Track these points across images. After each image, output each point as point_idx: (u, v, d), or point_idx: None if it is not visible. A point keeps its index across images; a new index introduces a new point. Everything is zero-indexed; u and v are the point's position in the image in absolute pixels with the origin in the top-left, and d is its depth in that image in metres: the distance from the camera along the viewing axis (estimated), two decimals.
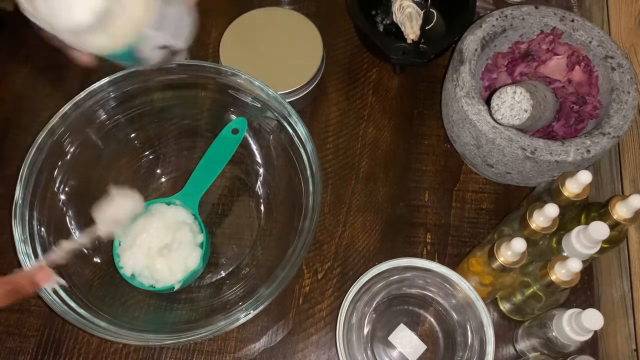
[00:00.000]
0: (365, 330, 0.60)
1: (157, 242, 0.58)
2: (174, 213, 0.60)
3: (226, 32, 0.69)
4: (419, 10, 0.74)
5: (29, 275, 0.42)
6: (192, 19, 0.45)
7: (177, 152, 0.68)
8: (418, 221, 0.66)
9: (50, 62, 0.73)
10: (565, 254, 0.53)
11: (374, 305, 0.60)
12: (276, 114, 0.59)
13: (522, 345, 0.58)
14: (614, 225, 0.52)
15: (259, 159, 0.65)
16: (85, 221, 0.61)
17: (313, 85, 0.68)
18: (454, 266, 0.59)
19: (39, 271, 0.43)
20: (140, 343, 0.59)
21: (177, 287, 0.58)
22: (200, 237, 0.60)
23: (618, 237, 0.57)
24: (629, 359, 0.56)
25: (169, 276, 0.58)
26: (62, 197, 0.59)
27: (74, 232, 0.60)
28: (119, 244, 0.59)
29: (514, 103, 0.53)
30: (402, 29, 0.73)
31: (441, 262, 0.62)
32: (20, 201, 0.54)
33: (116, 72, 0.59)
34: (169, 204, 0.61)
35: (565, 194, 0.53)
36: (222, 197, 0.67)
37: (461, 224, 0.66)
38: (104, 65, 0.46)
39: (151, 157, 0.67)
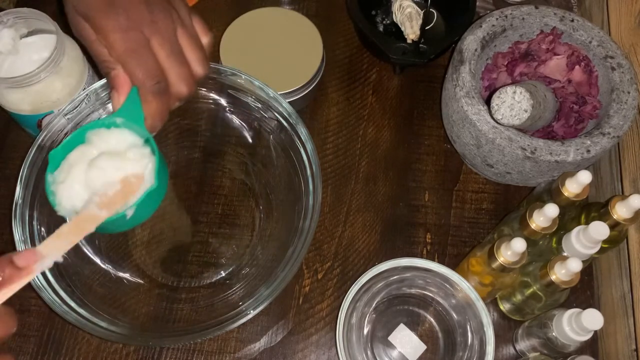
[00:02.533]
0: (365, 330, 0.60)
1: (99, 172, 0.46)
2: (118, 136, 0.47)
3: (226, 32, 0.69)
4: (419, 10, 0.74)
5: (5, 260, 0.36)
6: None
7: (177, 152, 0.68)
8: (418, 221, 0.66)
9: None
10: (565, 254, 0.53)
11: (374, 305, 0.60)
12: (276, 114, 0.59)
13: (522, 345, 0.58)
14: (614, 225, 0.52)
15: (259, 159, 0.65)
16: None
17: (313, 85, 0.68)
18: (454, 266, 0.59)
19: (21, 254, 0.36)
20: (140, 343, 0.59)
21: (129, 213, 0.45)
22: (153, 157, 0.47)
23: (618, 237, 0.57)
24: (629, 359, 0.56)
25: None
26: None
27: None
28: (52, 180, 0.47)
29: (514, 103, 0.53)
30: (402, 29, 0.73)
31: (441, 262, 0.63)
32: (20, 201, 0.54)
33: None
34: (108, 126, 0.48)
35: (565, 194, 0.53)
36: (222, 197, 0.67)
37: (461, 224, 0.66)
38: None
39: None
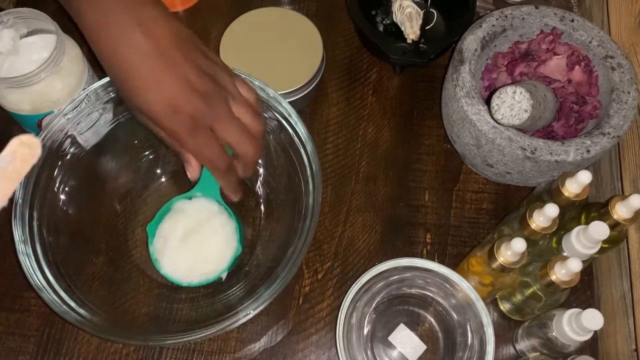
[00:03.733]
0: (365, 330, 0.60)
1: (192, 240, 0.57)
2: (199, 206, 0.58)
3: (226, 32, 0.69)
4: (419, 10, 0.74)
5: None
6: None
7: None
8: (418, 221, 0.66)
9: None
10: (565, 254, 0.53)
11: (374, 305, 0.60)
12: (276, 114, 0.59)
13: (522, 345, 0.58)
14: (614, 225, 0.52)
15: (259, 159, 0.65)
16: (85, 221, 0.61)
17: (313, 85, 0.68)
18: (454, 266, 0.59)
19: None
20: (140, 343, 0.59)
21: (224, 276, 0.58)
22: (232, 223, 0.59)
23: (618, 237, 0.57)
24: (629, 359, 0.56)
25: (214, 268, 0.58)
26: (62, 197, 0.59)
27: None
28: (154, 250, 0.58)
29: (514, 103, 0.53)
30: (402, 29, 0.73)
31: (441, 262, 0.63)
32: (20, 201, 0.54)
33: None
34: (190, 198, 0.58)
35: (565, 194, 0.53)
36: None
37: (461, 224, 0.66)
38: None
39: (151, 157, 0.67)
